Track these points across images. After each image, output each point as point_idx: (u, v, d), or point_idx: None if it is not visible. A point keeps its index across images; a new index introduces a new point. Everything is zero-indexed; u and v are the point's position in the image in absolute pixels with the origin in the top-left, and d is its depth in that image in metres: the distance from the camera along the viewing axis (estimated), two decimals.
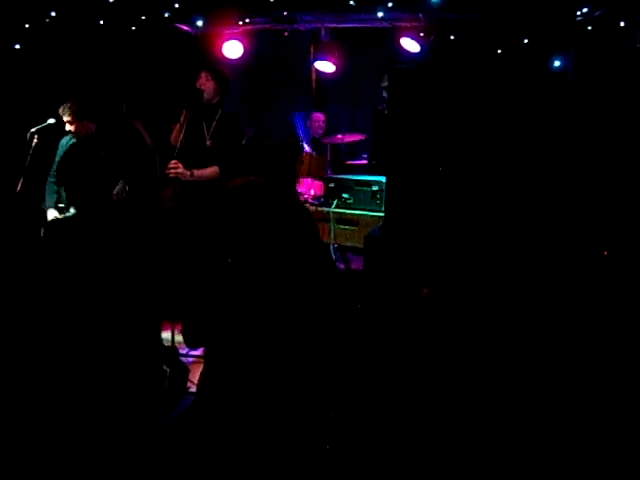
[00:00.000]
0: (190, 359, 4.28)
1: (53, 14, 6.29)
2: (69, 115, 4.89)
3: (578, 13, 5.98)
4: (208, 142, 4.95)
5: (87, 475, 2.52)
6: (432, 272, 4.26)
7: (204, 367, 2.14)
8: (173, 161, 4.74)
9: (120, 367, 2.77)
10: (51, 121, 5.01)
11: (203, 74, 4.97)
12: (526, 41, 6.27)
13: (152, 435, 2.67)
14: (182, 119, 4.87)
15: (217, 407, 1.78)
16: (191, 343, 2.24)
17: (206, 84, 4.95)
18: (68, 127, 4.94)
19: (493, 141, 5.01)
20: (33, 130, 4.91)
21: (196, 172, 4.81)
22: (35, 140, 4.91)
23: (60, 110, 4.90)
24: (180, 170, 4.74)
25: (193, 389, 2.82)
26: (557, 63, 6.16)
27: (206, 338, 2.10)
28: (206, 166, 4.85)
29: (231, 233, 1.66)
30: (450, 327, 3.35)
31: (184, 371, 3.62)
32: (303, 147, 6.90)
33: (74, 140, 5.02)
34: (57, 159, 4.99)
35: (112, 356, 2.76)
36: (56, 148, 5.14)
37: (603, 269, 4.63)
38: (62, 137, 5.13)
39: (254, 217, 1.64)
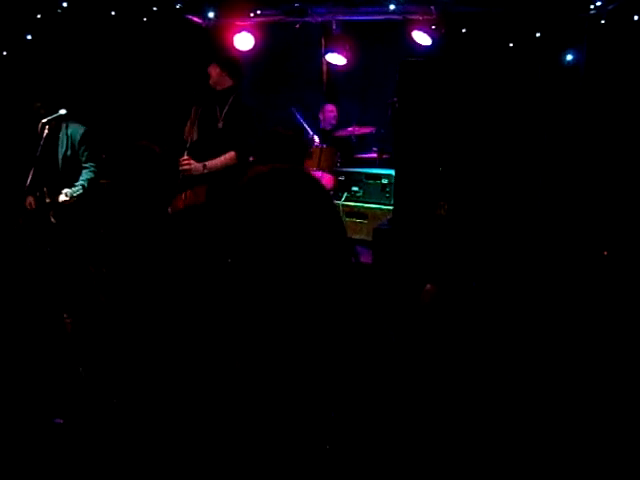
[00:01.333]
0: None
1: (65, 5, 6.30)
2: None
3: (591, 7, 5.94)
4: (220, 124, 4.90)
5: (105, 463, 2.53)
6: (438, 267, 4.25)
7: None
8: (184, 157, 4.71)
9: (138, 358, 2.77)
10: (62, 112, 5.02)
11: (211, 64, 4.97)
12: (538, 35, 6.23)
13: (166, 425, 2.68)
14: (192, 116, 4.86)
15: (215, 404, 1.77)
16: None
17: (211, 71, 4.94)
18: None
19: (504, 135, 4.99)
20: (44, 121, 4.92)
21: (209, 164, 4.72)
22: (46, 131, 4.92)
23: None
24: (192, 165, 4.71)
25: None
26: (569, 57, 6.12)
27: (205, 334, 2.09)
28: (220, 153, 4.78)
29: (254, 226, 1.59)
30: (452, 323, 3.35)
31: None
32: (313, 139, 6.89)
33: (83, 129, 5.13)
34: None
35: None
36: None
37: (607, 269, 4.62)
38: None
39: (284, 207, 1.57)
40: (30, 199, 5.01)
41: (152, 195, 2.91)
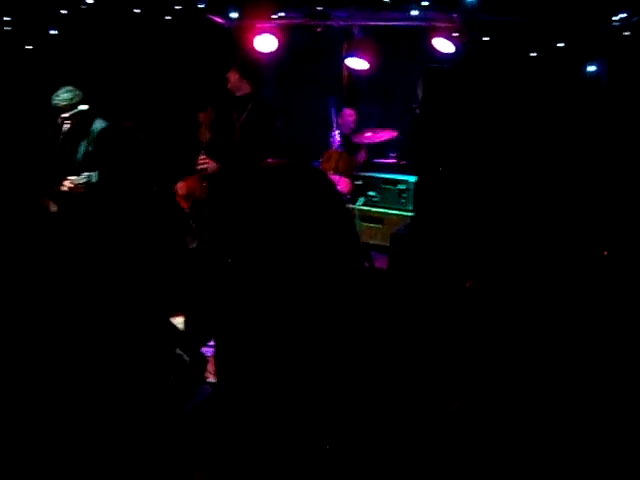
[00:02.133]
0: (209, 350, 4.26)
1: (89, 1, 6.33)
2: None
3: (615, 18, 5.91)
4: (237, 135, 4.93)
5: (106, 464, 2.52)
6: (465, 268, 4.23)
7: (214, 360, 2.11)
8: (202, 156, 4.74)
9: (134, 358, 2.77)
10: (83, 107, 5.02)
11: (230, 70, 4.98)
12: (561, 45, 6.21)
13: (170, 425, 2.68)
14: (209, 116, 4.89)
15: (224, 403, 1.76)
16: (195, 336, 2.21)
17: (230, 76, 4.95)
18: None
19: (524, 143, 4.98)
20: (65, 115, 4.93)
21: None
22: (66, 125, 4.92)
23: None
24: (210, 164, 4.73)
25: (210, 379, 2.84)
26: (592, 68, 6.09)
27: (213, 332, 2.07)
28: (236, 158, 4.80)
29: (260, 223, 1.57)
30: (496, 322, 3.33)
31: (202, 361, 3.63)
32: (335, 138, 6.89)
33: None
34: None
35: (124, 346, 2.75)
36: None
37: (607, 269, 4.59)
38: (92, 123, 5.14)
39: (291, 203, 1.55)
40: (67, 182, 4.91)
41: (134, 176, 2.92)
